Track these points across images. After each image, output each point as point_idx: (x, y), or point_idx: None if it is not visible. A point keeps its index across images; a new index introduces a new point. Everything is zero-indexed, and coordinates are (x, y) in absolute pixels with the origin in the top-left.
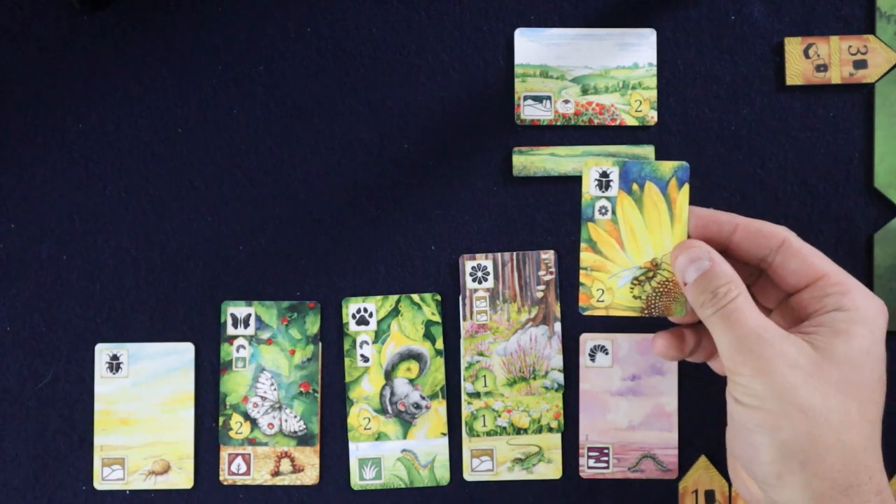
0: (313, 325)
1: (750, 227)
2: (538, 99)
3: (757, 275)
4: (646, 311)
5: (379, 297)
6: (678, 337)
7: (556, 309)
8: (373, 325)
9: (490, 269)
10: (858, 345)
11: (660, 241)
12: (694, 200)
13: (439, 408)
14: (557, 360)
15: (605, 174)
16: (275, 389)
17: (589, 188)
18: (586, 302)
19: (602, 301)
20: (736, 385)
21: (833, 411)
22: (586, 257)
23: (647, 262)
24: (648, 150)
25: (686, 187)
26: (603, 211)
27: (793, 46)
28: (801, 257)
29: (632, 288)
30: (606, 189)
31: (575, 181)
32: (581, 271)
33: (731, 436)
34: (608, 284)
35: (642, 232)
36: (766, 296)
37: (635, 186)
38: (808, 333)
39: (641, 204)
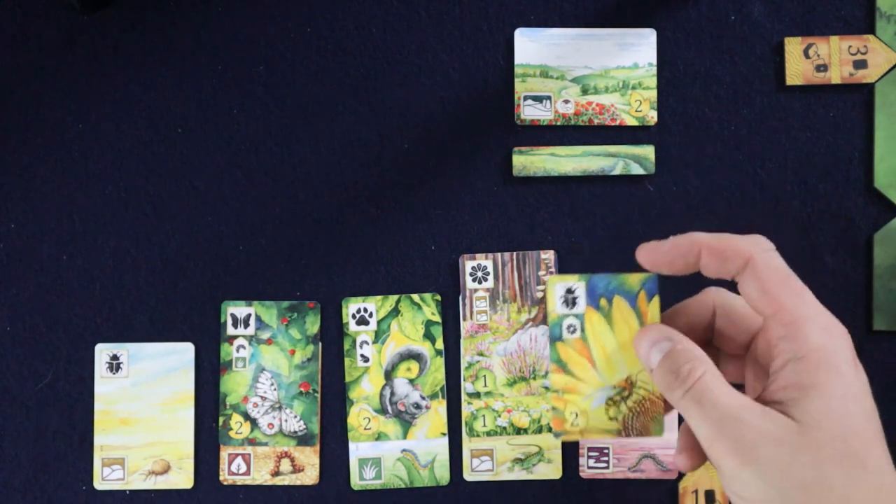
0: (313, 325)
1: (712, 248)
2: (538, 99)
3: (711, 331)
4: (623, 433)
5: (379, 297)
6: (695, 447)
7: None
8: (373, 325)
9: (490, 269)
10: (832, 394)
11: (632, 357)
12: (695, 201)
13: (439, 408)
14: None
15: (570, 290)
16: (275, 389)
17: (555, 307)
18: (560, 427)
19: (576, 425)
20: (727, 479)
21: (834, 477)
22: (557, 379)
23: (622, 381)
24: (648, 150)
25: (656, 299)
26: (571, 329)
27: (793, 46)
28: (760, 283)
29: (607, 409)
30: (573, 306)
31: (575, 181)
32: (552, 394)
33: None
34: (582, 406)
35: (614, 349)
36: (729, 346)
37: (603, 302)
38: (779, 401)
39: (611, 320)
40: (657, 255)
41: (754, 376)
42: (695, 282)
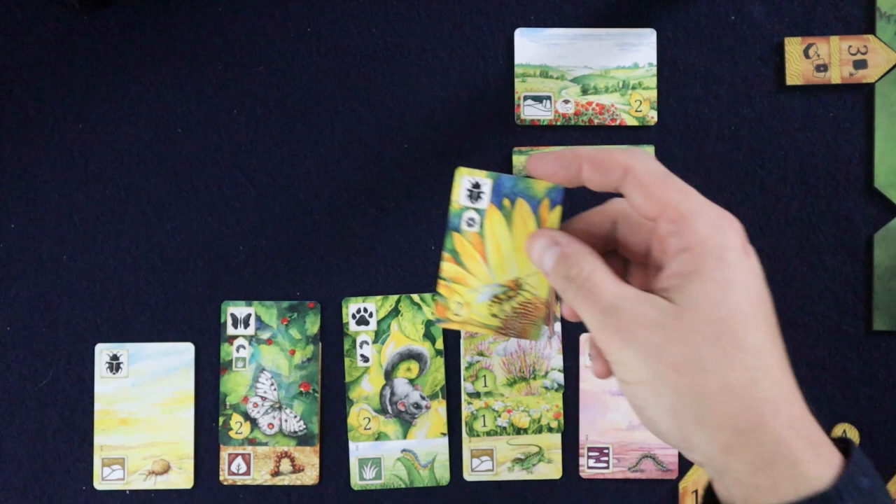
0: (313, 325)
1: (593, 159)
2: (538, 99)
3: (613, 241)
4: (502, 331)
5: (379, 297)
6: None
7: (556, 309)
8: (373, 325)
9: None
10: (713, 279)
11: (525, 260)
12: None
13: (439, 408)
14: (557, 360)
15: (476, 185)
16: (275, 389)
17: (459, 197)
18: (442, 314)
19: (458, 315)
20: (612, 364)
21: (707, 358)
22: (447, 268)
23: (510, 281)
24: (648, 151)
25: (558, 209)
26: (470, 223)
27: (793, 46)
28: (642, 188)
29: (490, 305)
30: (477, 200)
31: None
32: (440, 281)
33: (636, 415)
34: (467, 298)
35: (508, 249)
36: (633, 255)
37: (506, 202)
38: (664, 287)
39: (511, 220)
40: (542, 164)
41: (657, 281)
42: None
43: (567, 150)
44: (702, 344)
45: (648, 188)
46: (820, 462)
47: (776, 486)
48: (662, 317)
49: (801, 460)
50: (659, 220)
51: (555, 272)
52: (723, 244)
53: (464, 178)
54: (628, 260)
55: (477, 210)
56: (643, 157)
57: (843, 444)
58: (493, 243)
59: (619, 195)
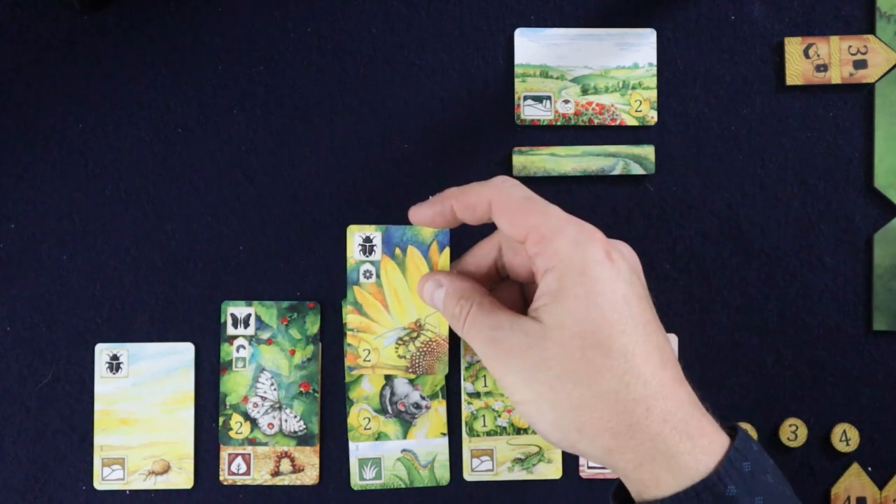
0: (313, 325)
1: (459, 200)
2: (538, 99)
3: (503, 267)
4: (410, 370)
5: None
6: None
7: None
8: None
9: None
10: (574, 294)
11: (421, 302)
12: (695, 201)
13: (439, 408)
14: None
15: (368, 239)
16: (275, 389)
17: (353, 253)
18: (353, 362)
19: (368, 360)
20: (502, 388)
21: (576, 372)
22: (353, 319)
23: (411, 323)
24: (648, 150)
25: (447, 250)
26: (367, 275)
27: (793, 46)
28: (505, 216)
29: (396, 348)
30: (370, 254)
31: (575, 181)
32: (348, 332)
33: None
34: (374, 345)
35: (406, 294)
36: (522, 278)
37: (398, 251)
38: (535, 309)
39: (404, 267)
40: (419, 214)
41: (531, 303)
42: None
43: (437, 196)
44: (570, 359)
45: (512, 215)
46: (697, 452)
47: (658, 479)
48: (532, 339)
49: (678, 452)
50: (526, 244)
51: (444, 311)
52: (583, 258)
53: (355, 235)
54: (519, 286)
55: (372, 262)
56: (504, 187)
57: (731, 430)
58: (391, 291)
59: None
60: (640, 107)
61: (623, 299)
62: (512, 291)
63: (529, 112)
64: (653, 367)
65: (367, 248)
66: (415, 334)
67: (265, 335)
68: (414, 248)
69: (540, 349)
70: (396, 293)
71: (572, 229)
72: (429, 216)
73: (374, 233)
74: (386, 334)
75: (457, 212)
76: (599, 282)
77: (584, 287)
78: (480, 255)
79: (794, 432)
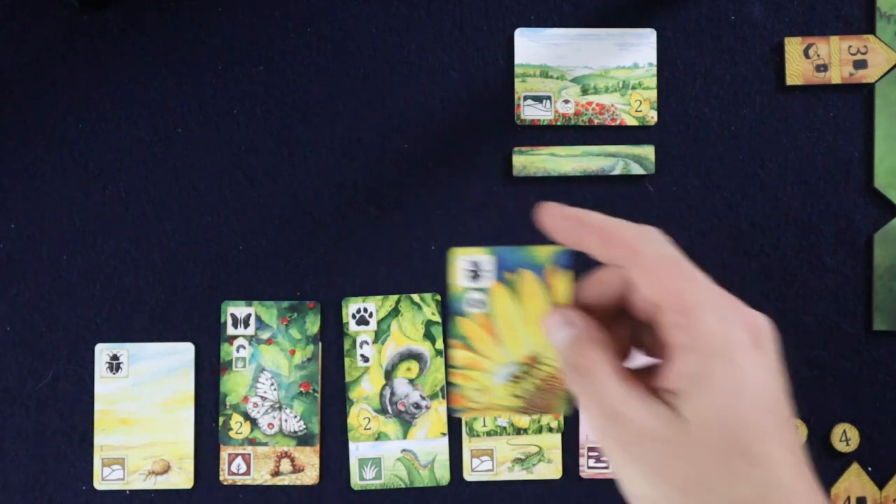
0: (313, 325)
1: (601, 234)
2: (538, 99)
3: (625, 300)
4: (526, 411)
5: (379, 297)
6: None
7: None
8: (373, 325)
9: None
10: (722, 387)
11: (539, 333)
12: (695, 201)
13: (439, 408)
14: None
15: (475, 263)
16: (275, 389)
17: (458, 280)
18: (460, 404)
19: (478, 402)
20: (617, 475)
21: (713, 476)
22: (458, 355)
23: (527, 358)
24: (648, 150)
25: (567, 273)
26: (475, 304)
27: (793, 46)
28: (649, 274)
29: (510, 386)
30: (478, 279)
31: (575, 181)
32: (452, 371)
33: None
34: (484, 383)
35: (520, 325)
36: (643, 316)
37: (510, 275)
38: (669, 391)
39: (518, 294)
40: (547, 218)
41: (662, 378)
42: None
43: (576, 214)
44: (707, 461)
45: (654, 274)
46: None
47: None
48: (667, 431)
49: None
50: (663, 308)
51: (564, 356)
52: (729, 341)
53: (459, 259)
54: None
55: (480, 289)
56: (652, 239)
57: None
58: (504, 321)
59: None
60: (640, 107)
61: (771, 399)
62: (625, 330)
63: (529, 112)
64: (792, 474)
65: (475, 273)
66: (531, 370)
67: (265, 335)
68: (528, 271)
69: (675, 445)
70: (509, 324)
71: (719, 303)
72: (559, 227)
73: (483, 257)
74: (497, 370)
75: (590, 241)
76: (747, 374)
77: (730, 379)
78: (604, 284)
79: None
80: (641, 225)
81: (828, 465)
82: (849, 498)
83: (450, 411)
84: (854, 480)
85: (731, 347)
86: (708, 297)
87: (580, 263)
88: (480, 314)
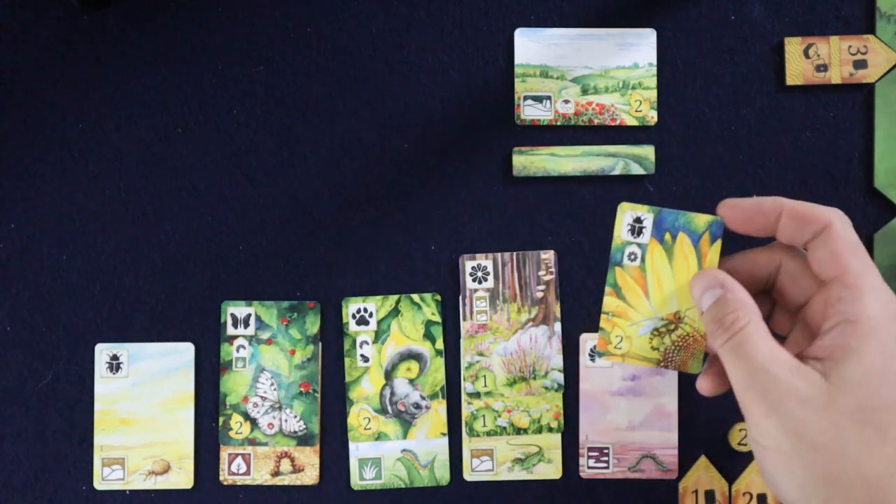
0: (313, 325)
1: (795, 212)
2: (538, 99)
3: (772, 283)
4: (662, 364)
5: (379, 297)
6: (720, 371)
7: (556, 309)
8: (373, 325)
9: (490, 269)
10: (871, 364)
11: (685, 294)
12: (695, 201)
13: (439, 408)
14: (557, 360)
15: (639, 220)
16: (275, 389)
17: (621, 232)
18: (603, 347)
19: (619, 348)
20: (750, 424)
21: (849, 444)
22: (609, 302)
23: (670, 314)
24: (648, 150)
25: (718, 243)
26: (632, 257)
27: (793, 46)
28: (831, 246)
29: (651, 338)
30: (638, 235)
31: (575, 181)
32: (602, 315)
33: (760, 471)
34: (628, 332)
35: (669, 283)
36: (786, 303)
37: (668, 236)
38: (819, 358)
39: (672, 255)
40: (737, 211)
41: (801, 334)
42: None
43: (766, 201)
44: (846, 428)
45: (838, 249)
46: None
47: None
48: (814, 393)
49: None
50: (833, 283)
51: (709, 314)
52: (887, 327)
53: (626, 213)
54: (775, 301)
55: (639, 244)
56: (843, 219)
57: None
58: (655, 277)
59: (771, 238)
60: (640, 107)
61: None
62: (763, 307)
63: (529, 112)
64: None
65: (637, 228)
66: (672, 326)
67: (265, 335)
68: (685, 235)
69: (819, 407)
70: (659, 280)
71: (885, 294)
72: (746, 215)
73: (647, 213)
74: (642, 322)
75: (783, 219)
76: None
77: (882, 360)
78: (755, 264)
79: None
80: (831, 207)
81: None
82: None
83: (596, 354)
84: None
85: (887, 333)
86: (877, 284)
87: (728, 238)
88: (635, 267)
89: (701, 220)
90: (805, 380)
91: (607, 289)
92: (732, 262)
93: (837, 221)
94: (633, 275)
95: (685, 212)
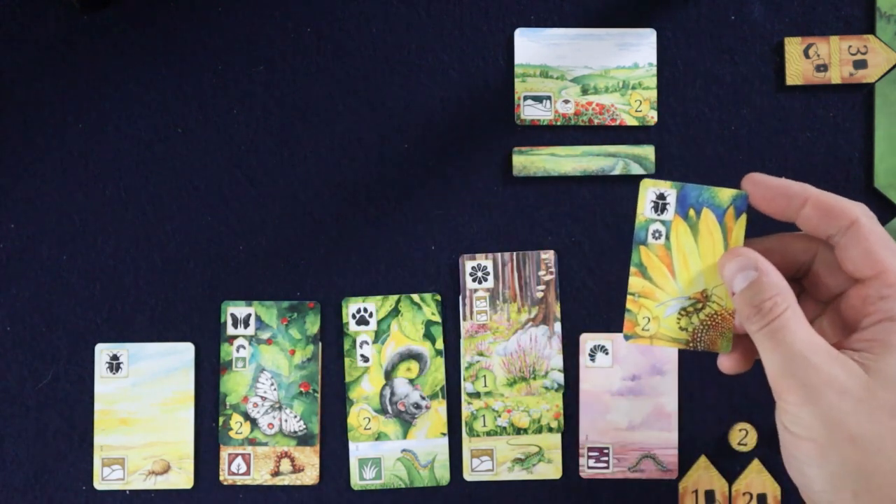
0: (313, 325)
1: (820, 202)
2: (538, 99)
3: (805, 272)
4: (691, 345)
5: (379, 297)
6: (743, 349)
7: (556, 309)
8: (373, 325)
9: (490, 269)
10: None
11: (712, 271)
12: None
13: (439, 408)
14: (557, 360)
15: (662, 196)
16: (275, 389)
17: (644, 210)
18: (631, 329)
19: (647, 330)
20: (783, 412)
21: (886, 438)
22: (635, 282)
23: (698, 293)
24: (648, 150)
25: (744, 217)
26: (657, 235)
27: (793, 46)
28: (864, 245)
29: (679, 318)
30: (662, 212)
31: (575, 181)
32: (628, 297)
33: (785, 460)
34: (655, 313)
35: (695, 260)
36: (818, 293)
37: (692, 212)
38: (858, 350)
39: (697, 231)
40: (762, 188)
41: (831, 325)
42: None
43: (794, 185)
44: (885, 424)
45: (872, 246)
46: None
47: None
48: (854, 384)
49: None
50: (870, 282)
51: (743, 296)
52: None
53: (649, 190)
54: (804, 289)
55: (663, 222)
56: (869, 214)
57: None
58: (681, 255)
59: (791, 224)
60: (640, 107)
61: None
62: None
63: (529, 112)
64: None
65: (660, 205)
66: (700, 305)
67: (265, 335)
68: (709, 211)
69: (858, 400)
70: (685, 258)
71: None
72: (771, 194)
73: (670, 190)
74: (669, 302)
75: (808, 207)
76: None
77: None
78: (790, 249)
79: None
80: (856, 202)
81: None
82: None
83: (623, 336)
84: None
85: None
86: None
87: (754, 215)
88: (660, 246)
89: (725, 194)
90: (845, 370)
91: (632, 269)
92: (765, 244)
93: (864, 217)
94: (658, 253)
95: (709, 186)
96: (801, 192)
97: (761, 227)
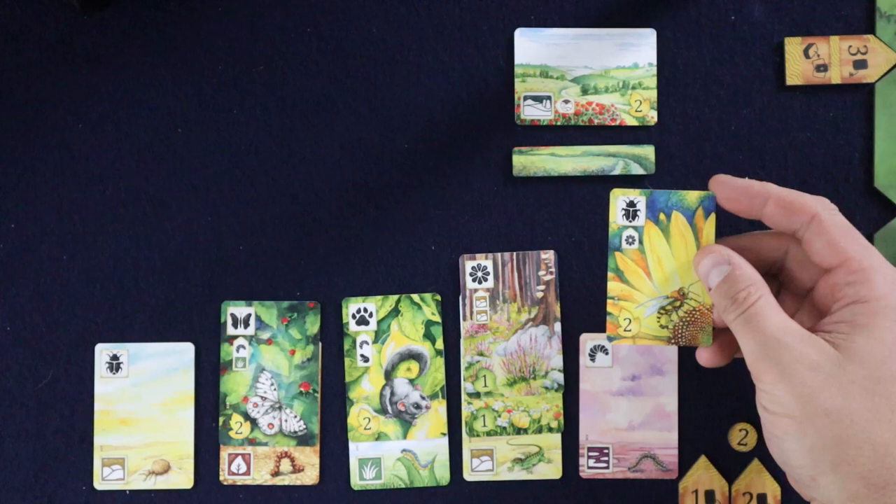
0: (313, 325)
1: (781, 199)
2: (538, 99)
3: (779, 267)
4: (672, 341)
5: (379, 297)
6: (722, 342)
7: (556, 309)
8: (373, 325)
9: (490, 269)
10: (881, 338)
11: (686, 270)
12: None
13: (439, 408)
14: (557, 360)
15: (631, 203)
16: (275, 389)
17: (616, 218)
18: (613, 331)
19: (629, 330)
20: (761, 392)
21: (858, 411)
22: (613, 286)
23: (674, 292)
24: (648, 150)
25: (713, 216)
26: (630, 241)
27: (793, 46)
28: (826, 237)
29: (658, 317)
30: (633, 219)
31: (575, 181)
32: (608, 301)
33: (766, 441)
34: (635, 314)
35: (669, 261)
36: (794, 286)
37: (662, 216)
38: (828, 331)
39: (668, 233)
40: (726, 188)
41: (809, 316)
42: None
43: (756, 185)
44: (857, 397)
45: (833, 238)
46: None
47: None
48: (825, 361)
49: None
50: (837, 270)
51: (718, 290)
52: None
53: (618, 199)
54: (781, 284)
55: (635, 227)
56: (829, 207)
57: None
58: (655, 257)
59: (758, 222)
60: (640, 107)
61: None
62: (770, 290)
63: (529, 112)
64: None
65: (631, 212)
66: (678, 303)
67: (265, 335)
68: (679, 213)
69: (830, 375)
70: (659, 260)
71: (891, 272)
72: (735, 194)
73: (639, 197)
74: (647, 303)
75: (768, 208)
76: None
77: (890, 335)
78: (763, 246)
79: None
80: (816, 196)
81: None
82: None
83: (607, 338)
84: None
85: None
86: (881, 265)
87: (722, 212)
88: (634, 250)
89: (692, 196)
90: (816, 348)
91: (610, 274)
92: (739, 243)
93: (824, 211)
94: (632, 257)
95: (676, 190)
96: (763, 190)
97: (736, 228)
